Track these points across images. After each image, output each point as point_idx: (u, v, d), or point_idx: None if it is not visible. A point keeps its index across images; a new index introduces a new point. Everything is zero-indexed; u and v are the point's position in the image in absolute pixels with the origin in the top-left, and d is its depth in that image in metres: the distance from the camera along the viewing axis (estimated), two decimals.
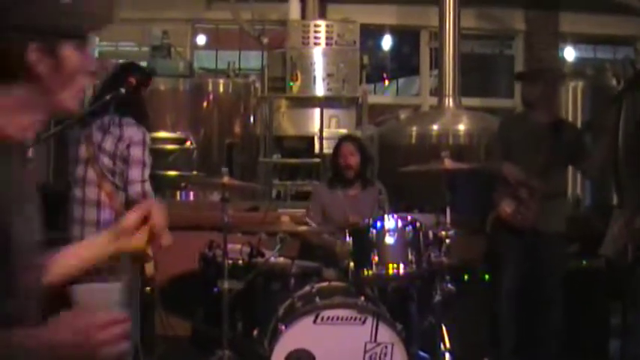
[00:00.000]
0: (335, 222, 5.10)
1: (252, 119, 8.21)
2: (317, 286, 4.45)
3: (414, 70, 10.75)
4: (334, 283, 4.55)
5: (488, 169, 5.23)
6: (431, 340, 4.56)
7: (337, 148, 5.45)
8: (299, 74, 7.93)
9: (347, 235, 4.48)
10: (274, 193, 7.75)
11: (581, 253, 5.71)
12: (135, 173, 4.34)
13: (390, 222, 4.47)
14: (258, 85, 8.34)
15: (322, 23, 8.12)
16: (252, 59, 10.32)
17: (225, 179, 4.59)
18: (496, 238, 5.20)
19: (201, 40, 10.29)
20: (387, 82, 11.62)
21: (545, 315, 4.98)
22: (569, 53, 10.23)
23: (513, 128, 5.31)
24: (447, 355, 4.44)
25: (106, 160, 4.36)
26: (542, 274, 5.02)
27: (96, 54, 9.82)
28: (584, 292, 5.43)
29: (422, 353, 4.68)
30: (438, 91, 8.18)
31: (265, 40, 8.16)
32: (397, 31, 10.50)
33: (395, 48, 10.87)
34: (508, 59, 10.56)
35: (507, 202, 4.99)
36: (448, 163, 4.64)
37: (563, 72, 8.78)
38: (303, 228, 4.95)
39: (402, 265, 4.38)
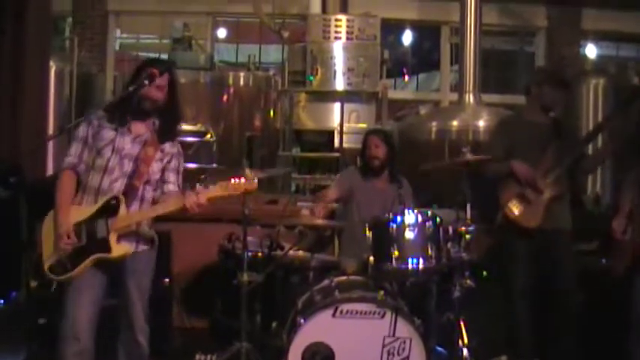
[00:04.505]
0: (360, 211, 5.11)
1: (272, 113, 8.22)
2: (336, 279, 4.44)
3: (435, 66, 10.72)
4: (353, 277, 4.54)
5: (493, 169, 5.07)
6: (449, 335, 4.55)
7: (364, 141, 5.47)
8: (319, 68, 7.93)
9: (367, 229, 4.47)
10: (293, 186, 7.75)
11: (600, 251, 5.65)
12: None
13: (410, 217, 4.45)
14: (278, 78, 8.35)
15: (343, 17, 8.11)
16: (273, 53, 10.34)
17: (246, 172, 4.59)
18: (504, 238, 5.12)
19: (221, 33, 10.32)
20: (407, 78, 11.58)
21: (563, 306, 4.91)
22: (591, 50, 10.16)
23: (515, 128, 5.18)
24: (465, 350, 4.43)
25: None
26: (555, 273, 4.95)
27: (117, 46, 9.89)
28: (603, 290, 5.37)
29: (440, 349, 4.67)
30: (459, 87, 8.15)
31: (286, 34, 8.16)
32: (418, 27, 10.49)
33: (415, 43, 10.84)
34: (529, 56, 10.51)
35: (514, 202, 4.92)
36: (470, 158, 4.64)
37: (582, 69, 8.70)
38: (322, 222, 4.94)
39: (421, 260, 4.36)
